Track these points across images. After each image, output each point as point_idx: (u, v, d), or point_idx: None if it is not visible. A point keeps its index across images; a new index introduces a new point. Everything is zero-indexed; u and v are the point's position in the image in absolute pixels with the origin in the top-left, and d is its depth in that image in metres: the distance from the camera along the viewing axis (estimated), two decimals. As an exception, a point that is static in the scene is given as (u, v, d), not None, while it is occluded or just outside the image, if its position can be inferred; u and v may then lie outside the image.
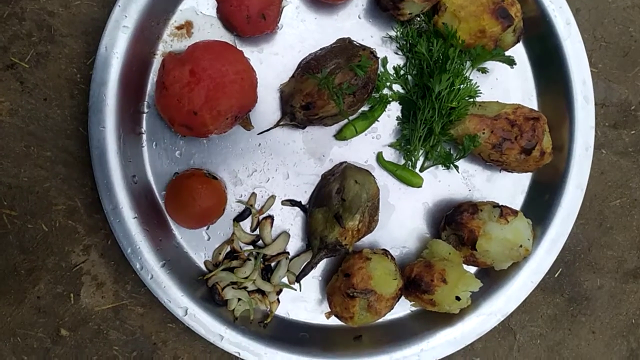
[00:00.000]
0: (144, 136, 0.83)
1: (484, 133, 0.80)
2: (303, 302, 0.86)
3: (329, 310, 0.84)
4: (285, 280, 0.85)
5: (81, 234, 0.83)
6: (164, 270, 0.79)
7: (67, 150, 0.82)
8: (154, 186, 0.83)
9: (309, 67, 0.79)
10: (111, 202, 0.78)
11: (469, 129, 0.81)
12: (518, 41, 0.83)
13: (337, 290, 0.79)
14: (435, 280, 0.78)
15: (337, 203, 0.79)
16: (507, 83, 0.87)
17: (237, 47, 0.82)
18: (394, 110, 0.86)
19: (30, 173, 0.82)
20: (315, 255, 0.80)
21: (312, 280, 0.85)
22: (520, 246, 0.80)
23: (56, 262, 0.83)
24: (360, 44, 0.81)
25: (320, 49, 0.82)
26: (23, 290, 0.81)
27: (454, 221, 0.82)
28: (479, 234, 0.80)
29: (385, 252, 0.82)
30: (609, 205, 0.91)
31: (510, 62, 0.82)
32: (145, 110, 0.82)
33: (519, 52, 0.86)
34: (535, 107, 0.87)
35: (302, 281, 0.83)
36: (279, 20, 0.82)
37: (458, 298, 0.78)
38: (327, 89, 0.76)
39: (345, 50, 0.79)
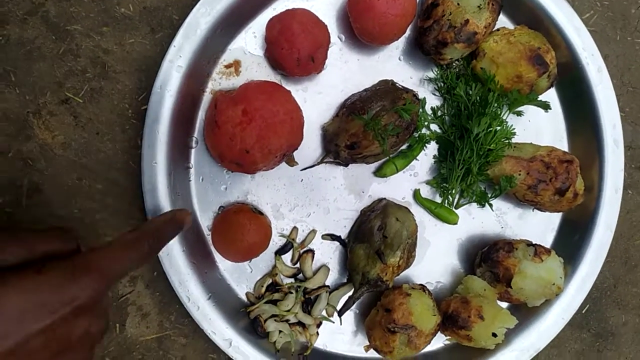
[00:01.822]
0: (192, 170, 0.85)
1: (520, 174, 0.84)
2: (340, 335, 0.88)
3: (367, 343, 0.86)
4: (324, 313, 0.87)
5: (128, 265, 0.85)
6: (210, 303, 0.81)
7: (117, 183, 0.84)
8: (200, 219, 0.86)
9: (355, 108, 0.82)
10: (160, 235, 0.80)
11: (506, 170, 0.84)
12: (552, 86, 0.86)
13: (377, 324, 0.82)
14: (472, 316, 0.81)
15: (378, 240, 0.82)
16: (540, 124, 0.91)
17: (284, 87, 0.85)
18: (430, 149, 0.89)
19: (81, 205, 0.84)
20: (357, 290, 0.83)
21: (349, 313, 0.88)
22: (553, 284, 0.83)
23: (103, 293, 0.84)
24: (403, 86, 0.85)
25: (364, 90, 0.85)
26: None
27: (489, 259, 0.84)
28: (515, 272, 0.82)
29: (423, 288, 0.84)
30: (634, 244, 0.94)
31: (546, 106, 0.85)
32: (194, 145, 0.85)
33: (551, 95, 0.90)
34: (566, 149, 0.91)
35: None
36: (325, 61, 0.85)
37: (494, 334, 0.80)
38: (373, 130, 0.79)
39: (389, 93, 0.82)
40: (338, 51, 0.88)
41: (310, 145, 0.87)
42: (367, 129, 0.80)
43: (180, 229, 0.64)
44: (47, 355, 0.46)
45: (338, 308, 0.87)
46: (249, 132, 0.77)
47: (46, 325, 0.45)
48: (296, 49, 0.79)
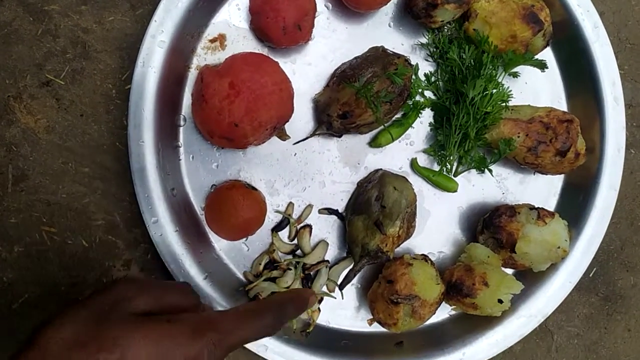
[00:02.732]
0: (181, 149, 0.83)
1: (519, 137, 0.81)
2: (342, 310, 0.86)
3: (370, 317, 0.84)
4: (325, 288, 0.85)
5: (121, 248, 0.83)
6: (207, 283, 0.79)
7: (104, 165, 0.82)
8: (192, 199, 0.83)
9: (346, 76, 0.80)
10: (153, 216, 0.78)
11: (504, 133, 0.82)
12: (547, 45, 0.84)
13: (379, 297, 0.80)
14: (477, 283, 0.79)
15: (376, 210, 0.79)
16: (537, 86, 0.88)
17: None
18: (426, 116, 0.87)
19: (69, 189, 0.82)
20: (358, 262, 0.80)
21: (350, 288, 0.86)
22: (558, 247, 0.81)
23: (97, 277, 0.82)
24: (394, 52, 0.82)
25: (355, 58, 0.83)
26: (65, 305, 0.81)
27: (492, 225, 0.82)
28: (518, 236, 0.80)
29: (425, 258, 0.82)
30: (640, 204, 0.92)
31: (542, 65, 0.83)
32: (182, 123, 0.83)
33: (547, 55, 0.87)
34: (565, 110, 0.89)
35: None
36: (313, 30, 0.82)
37: (500, 301, 0.78)
38: (365, 98, 0.77)
39: (380, 59, 0.80)
40: (325, 20, 0.85)
41: (302, 119, 0.85)
42: (359, 97, 0.77)
43: (304, 308, 0.63)
44: None
45: (339, 282, 0.84)
46: (237, 105, 0.74)
47: None
48: (281, 17, 0.76)
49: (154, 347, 0.45)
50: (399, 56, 0.81)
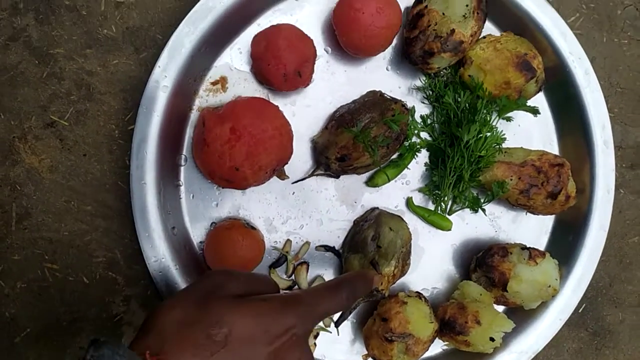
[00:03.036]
0: (182, 188, 0.85)
1: (511, 179, 0.84)
2: (338, 344, 0.88)
3: (365, 352, 0.86)
4: (321, 324, 0.87)
5: (121, 285, 0.85)
6: (206, 321, 0.81)
7: (106, 204, 0.84)
8: (192, 236, 0.85)
9: (344, 120, 0.82)
10: (153, 254, 0.80)
11: (497, 175, 0.84)
12: (540, 91, 0.86)
13: (374, 333, 0.82)
14: (470, 321, 0.81)
15: (372, 250, 0.81)
16: (530, 129, 0.91)
17: (271, 101, 0.85)
18: (421, 156, 0.89)
19: (71, 227, 0.83)
20: (353, 302, 0.82)
21: (346, 322, 0.88)
22: (549, 286, 0.83)
23: (97, 313, 0.84)
24: (391, 97, 0.85)
25: (353, 102, 0.85)
26: (65, 340, 0.83)
27: (484, 264, 0.84)
28: (510, 276, 0.83)
29: (419, 295, 0.84)
30: (628, 242, 0.95)
31: (535, 111, 0.85)
32: (183, 163, 0.84)
33: (540, 99, 0.90)
34: (557, 152, 0.91)
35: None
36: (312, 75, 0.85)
37: (492, 339, 0.80)
38: (363, 143, 0.79)
39: (378, 104, 0.82)
40: (325, 63, 0.87)
41: (301, 158, 0.87)
42: (357, 142, 0.79)
43: (370, 287, 0.71)
44: None
45: (335, 318, 0.86)
46: (238, 149, 0.76)
47: (270, 352, 0.51)
48: (282, 65, 0.78)
49: (254, 321, 0.51)
50: (396, 101, 0.83)
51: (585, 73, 0.86)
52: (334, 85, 0.87)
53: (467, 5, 0.79)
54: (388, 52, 0.88)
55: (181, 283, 0.81)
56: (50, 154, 0.83)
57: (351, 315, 0.87)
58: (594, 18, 0.91)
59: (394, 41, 0.86)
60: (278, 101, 0.85)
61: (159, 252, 0.80)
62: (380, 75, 0.88)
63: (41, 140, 0.83)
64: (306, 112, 0.87)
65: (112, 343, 0.45)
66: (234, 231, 0.81)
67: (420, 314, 0.81)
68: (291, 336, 0.53)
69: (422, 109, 0.89)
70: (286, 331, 0.53)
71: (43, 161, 0.83)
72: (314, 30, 0.86)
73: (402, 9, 0.84)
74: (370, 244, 0.82)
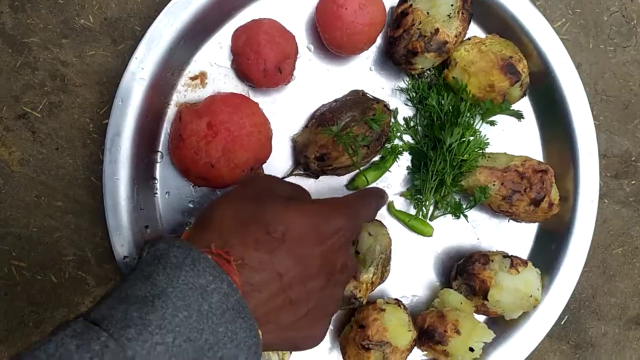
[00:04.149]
0: (157, 185, 0.82)
1: (494, 185, 0.82)
2: (314, 352, 0.85)
3: (342, 360, 0.84)
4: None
5: (91, 285, 0.82)
6: (177, 323, 0.78)
7: (77, 200, 0.81)
8: (166, 236, 0.82)
9: (324, 119, 0.80)
10: (124, 253, 0.77)
11: (480, 180, 0.83)
12: (524, 95, 0.85)
13: (351, 341, 0.79)
14: (449, 331, 0.79)
15: (351, 254, 0.79)
16: (514, 134, 0.89)
17: (251, 98, 0.83)
18: (403, 160, 0.87)
19: (40, 223, 0.80)
20: (330, 307, 0.80)
21: (323, 330, 0.85)
22: (531, 296, 0.81)
23: (65, 314, 0.81)
24: (373, 96, 0.83)
25: (335, 101, 0.83)
26: (31, 343, 0.79)
27: (465, 272, 0.83)
28: (491, 284, 0.81)
29: (398, 302, 0.82)
30: (612, 254, 0.93)
31: (519, 116, 0.84)
32: (159, 159, 0.82)
33: (524, 104, 0.89)
34: (541, 158, 0.90)
35: (314, 331, 0.83)
36: (294, 72, 0.83)
37: (472, 349, 0.78)
38: (342, 143, 0.77)
39: (360, 103, 0.81)
40: (307, 61, 0.86)
41: (281, 157, 0.85)
42: (337, 141, 0.78)
43: (385, 202, 0.73)
44: (322, 280, 0.54)
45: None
46: (214, 145, 0.74)
47: (322, 251, 0.53)
48: (262, 60, 0.77)
49: (307, 221, 0.53)
50: (378, 101, 0.82)
51: (571, 79, 0.85)
52: (316, 83, 0.86)
53: (452, 5, 0.78)
54: (372, 51, 0.86)
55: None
56: (21, 146, 0.80)
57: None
58: (580, 23, 0.90)
59: (378, 41, 0.85)
60: (258, 98, 0.83)
61: (130, 251, 0.78)
62: (363, 75, 0.87)
63: (12, 131, 0.80)
64: (287, 110, 0.85)
65: (168, 238, 0.47)
66: (208, 230, 0.79)
67: (399, 321, 0.79)
68: (339, 238, 0.55)
69: (405, 111, 0.88)
70: (336, 232, 0.55)
71: (13, 154, 0.80)
72: (297, 27, 0.84)
73: (388, 8, 0.83)
74: (349, 248, 0.80)
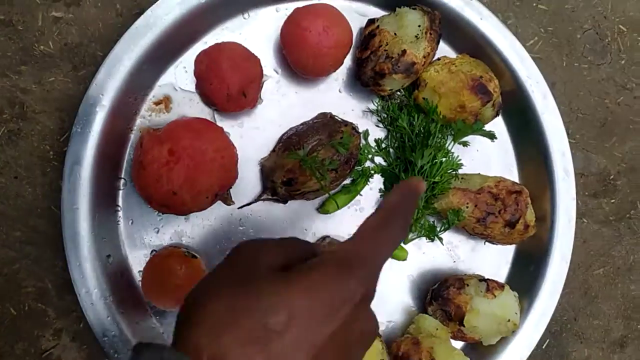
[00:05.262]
0: (120, 213, 0.80)
1: (467, 207, 0.80)
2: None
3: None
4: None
5: (51, 317, 0.79)
6: (140, 357, 0.75)
7: (37, 230, 0.79)
8: (130, 265, 0.80)
9: (291, 143, 0.78)
10: (84, 285, 0.74)
11: (453, 203, 0.80)
12: (497, 115, 0.83)
13: (322, 372, 0.76)
14: (424, 358, 0.76)
15: (321, 281, 0.77)
16: (488, 154, 0.87)
17: (217, 122, 0.81)
18: (376, 182, 0.85)
19: (-2, 254, 0.78)
20: (299, 336, 0.77)
21: (296, 359, 0.82)
22: (509, 320, 0.79)
23: (25, 347, 0.78)
24: (342, 119, 0.81)
25: (302, 124, 0.81)
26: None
27: (440, 296, 0.80)
28: (467, 309, 0.78)
29: (371, 330, 0.79)
30: (593, 274, 0.91)
31: (491, 136, 0.82)
32: (122, 187, 0.80)
33: (498, 124, 0.87)
34: (517, 179, 0.88)
35: None
36: (260, 96, 0.81)
37: (447, 378, 0.76)
38: (309, 167, 0.75)
39: (327, 126, 0.79)
40: (275, 84, 0.84)
41: (249, 183, 0.82)
42: (303, 165, 0.76)
43: (419, 194, 0.53)
44: None
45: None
46: (176, 172, 0.72)
47: (334, 330, 0.41)
48: (225, 84, 0.75)
49: (311, 298, 0.41)
50: (346, 124, 0.80)
51: (544, 98, 0.83)
52: (284, 106, 0.84)
53: (419, 26, 0.77)
54: (341, 73, 0.84)
55: (115, 315, 0.75)
56: (-21, 175, 0.78)
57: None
58: (553, 42, 0.89)
59: (348, 62, 0.83)
60: (225, 123, 0.81)
61: (90, 283, 0.75)
62: (332, 97, 0.85)
63: (-31, 160, 0.78)
64: (254, 134, 0.83)
65: (156, 346, 0.38)
66: (172, 259, 0.76)
67: (373, 350, 0.76)
68: (355, 305, 0.43)
69: (376, 133, 0.86)
70: (349, 300, 0.43)
71: (-30, 183, 0.78)
72: (264, 50, 0.82)
73: (357, 30, 0.81)
74: (319, 275, 0.77)
